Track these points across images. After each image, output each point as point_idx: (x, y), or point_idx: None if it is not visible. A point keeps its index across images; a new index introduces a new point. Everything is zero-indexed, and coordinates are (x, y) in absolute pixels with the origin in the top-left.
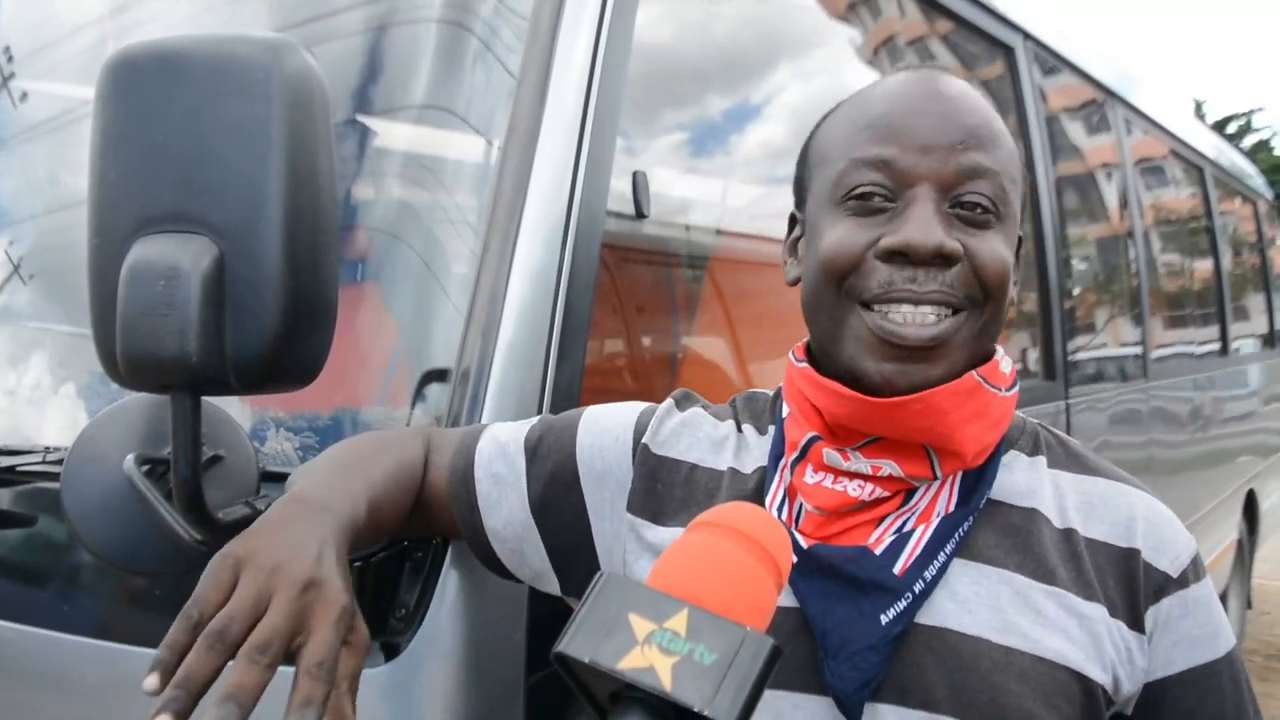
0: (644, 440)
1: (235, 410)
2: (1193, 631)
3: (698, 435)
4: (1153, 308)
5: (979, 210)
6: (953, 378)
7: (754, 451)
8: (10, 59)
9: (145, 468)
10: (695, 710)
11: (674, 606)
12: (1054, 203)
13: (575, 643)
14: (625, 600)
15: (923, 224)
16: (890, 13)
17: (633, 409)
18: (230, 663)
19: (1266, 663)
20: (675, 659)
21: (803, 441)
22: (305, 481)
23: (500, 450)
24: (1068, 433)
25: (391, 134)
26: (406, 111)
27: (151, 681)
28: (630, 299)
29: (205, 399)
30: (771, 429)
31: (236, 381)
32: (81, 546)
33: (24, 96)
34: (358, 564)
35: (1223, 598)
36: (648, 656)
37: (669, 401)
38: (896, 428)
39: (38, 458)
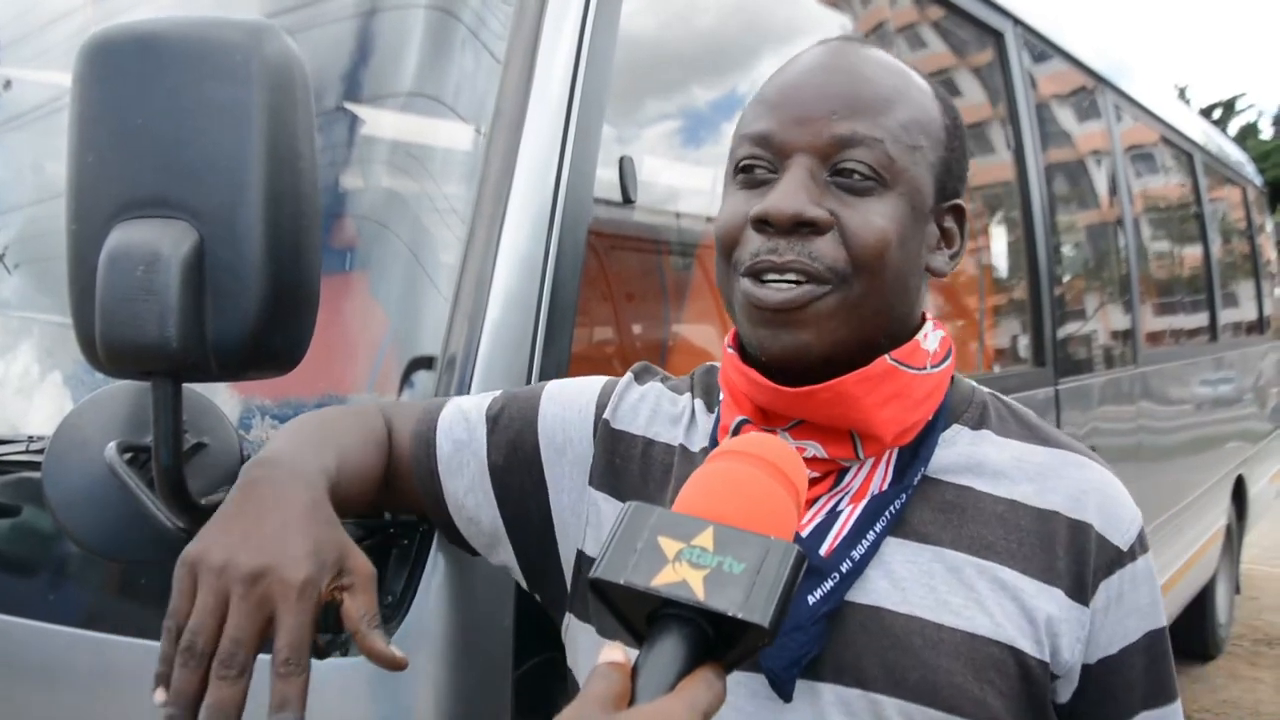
0: (604, 415)
1: (221, 398)
2: (1141, 601)
3: (656, 410)
4: (1142, 294)
5: (856, 177)
6: (834, 348)
7: (699, 430)
8: None
9: (127, 455)
10: (729, 615)
11: (699, 525)
12: (1044, 189)
13: (609, 568)
14: (652, 525)
15: (786, 192)
16: None
17: (595, 383)
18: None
19: (1254, 647)
20: (706, 571)
21: (733, 425)
22: (268, 448)
23: (462, 417)
24: (1058, 419)
25: (376, 120)
26: (391, 97)
27: (159, 695)
28: (617, 285)
29: (188, 386)
30: (716, 410)
31: (218, 367)
32: (65, 535)
33: (7, 84)
34: None
35: (1211, 583)
36: (679, 572)
37: (628, 375)
38: (811, 414)
39: (21, 447)
